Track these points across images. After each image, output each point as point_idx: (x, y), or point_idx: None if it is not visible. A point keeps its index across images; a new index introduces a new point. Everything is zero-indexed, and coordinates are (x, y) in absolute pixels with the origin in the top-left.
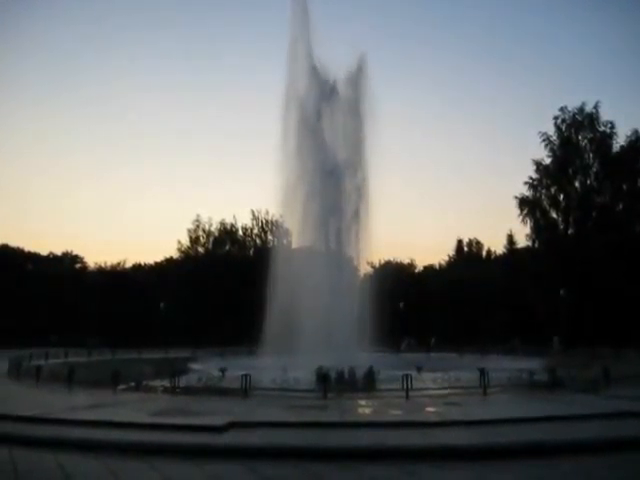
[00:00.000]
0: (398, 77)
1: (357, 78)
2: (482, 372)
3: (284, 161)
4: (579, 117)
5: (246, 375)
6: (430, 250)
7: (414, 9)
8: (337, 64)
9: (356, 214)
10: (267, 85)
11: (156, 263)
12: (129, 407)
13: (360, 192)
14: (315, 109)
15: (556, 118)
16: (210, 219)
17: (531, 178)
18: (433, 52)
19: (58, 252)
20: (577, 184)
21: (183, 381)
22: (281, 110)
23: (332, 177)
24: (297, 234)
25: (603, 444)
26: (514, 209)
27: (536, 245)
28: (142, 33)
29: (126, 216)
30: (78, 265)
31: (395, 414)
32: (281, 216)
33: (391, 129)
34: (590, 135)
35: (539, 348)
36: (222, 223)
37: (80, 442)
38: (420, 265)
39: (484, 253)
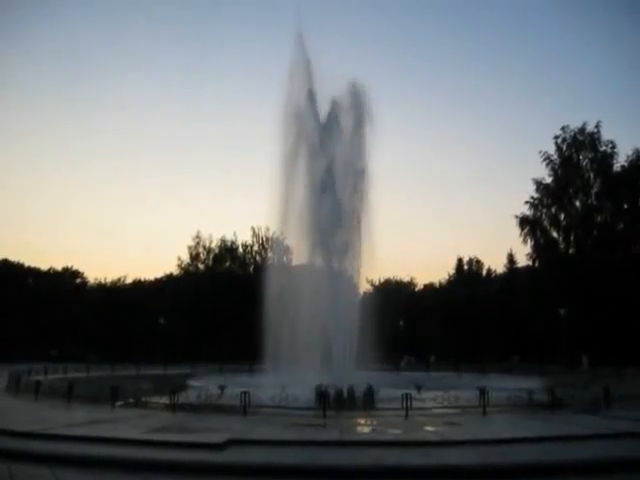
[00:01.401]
0: (399, 94)
1: (358, 98)
2: (482, 391)
3: (282, 177)
4: (580, 136)
5: (245, 392)
6: (430, 268)
7: (415, 27)
8: (338, 82)
9: (356, 232)
10: (269, 100)
11: (156, 279)
12: (128, 423)
13: (360, 210)
14: (314, 128)
15: (557, 137)
16: (210, 236)
17: (532, 197)
18: (433, 69)
19: (58, 267)
20: (578, 203)
21: (182, 398)
22: (279, 127)
23: (331, 194)
24: (297, 251)
25: (603, 465)
26: (515, 228)
27: (537, 264)
28: (144, 46)
29: (127, 232)
30: (78, 280)
31: (394, 433)
32: (281, 233)
33: (392, 147)
34: (591, 154)
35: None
36: (222, 240)
37: (78, 458)
38: (420, 283)
39: (484, 272)
